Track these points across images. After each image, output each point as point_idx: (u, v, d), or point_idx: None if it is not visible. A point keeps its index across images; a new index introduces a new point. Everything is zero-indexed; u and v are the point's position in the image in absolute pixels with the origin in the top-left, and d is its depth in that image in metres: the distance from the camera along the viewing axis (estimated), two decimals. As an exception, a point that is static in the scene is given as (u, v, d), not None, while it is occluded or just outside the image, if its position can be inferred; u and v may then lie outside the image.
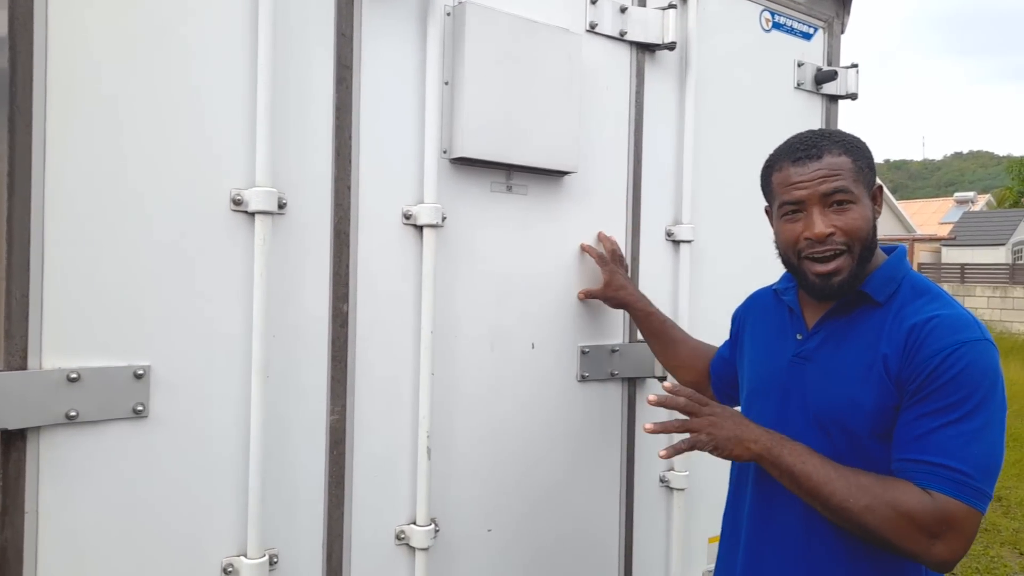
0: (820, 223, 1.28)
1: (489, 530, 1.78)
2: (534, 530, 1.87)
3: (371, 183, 1.59)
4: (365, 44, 1.56)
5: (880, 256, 1.37)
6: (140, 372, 1.32)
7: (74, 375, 1.26)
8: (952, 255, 22.63)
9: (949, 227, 25.59)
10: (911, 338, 1.23)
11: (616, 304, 1.92)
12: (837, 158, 1.30)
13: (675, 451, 1.29)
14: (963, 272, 17.14)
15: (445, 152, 1.68)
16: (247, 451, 1.42)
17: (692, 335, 1.92)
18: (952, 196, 32.76)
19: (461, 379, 1.73)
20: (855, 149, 1.32)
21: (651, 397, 1.30)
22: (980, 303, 15.31)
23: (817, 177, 1.29)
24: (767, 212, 1.47)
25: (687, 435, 1.29)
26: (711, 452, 1.27)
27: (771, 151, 2.31)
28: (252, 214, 1.42)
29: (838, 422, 1.30)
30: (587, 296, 1.93)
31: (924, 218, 30.49)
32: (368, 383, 1.59)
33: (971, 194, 33.52)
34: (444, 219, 1.66)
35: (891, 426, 1.26)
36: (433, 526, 1.65)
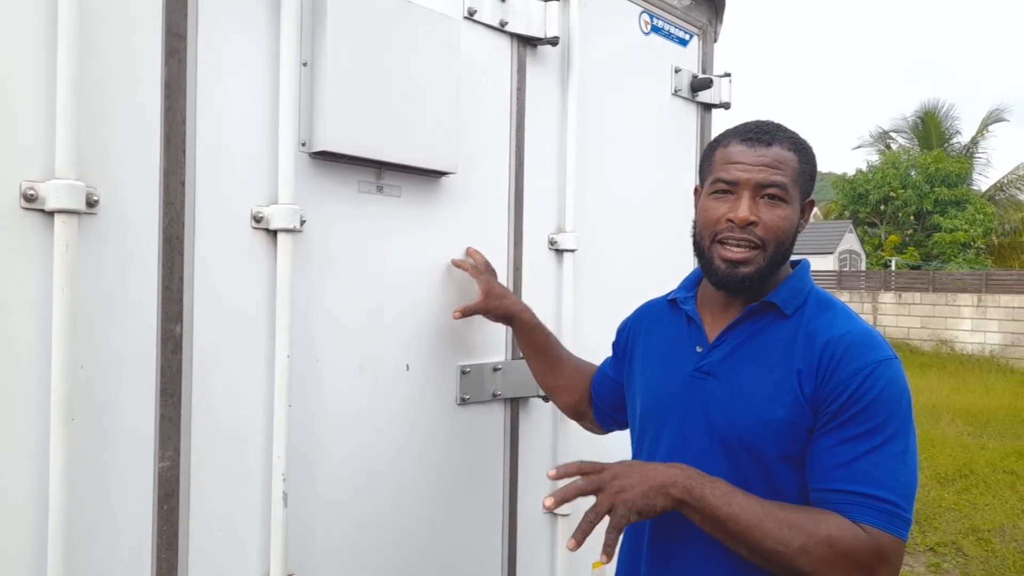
0: (746, 208, 1.20)
1: (358, 581, 1.55)
2: (409, 573, 1.65)
3: (212, 178, 1.32)
4: (203, 9, 1.29)
5: (788, 267, 1.30)
6: None
7: None
8: (787, 262, 24.54)
9: (784, 237, 27.75)
10: (825, 355, 1.16)
11: (499, 315, 1.69)
12: (786, 153, 1.23)
13: (562, 499, 1.14)
14: (797, 278, 18.61)
15: (304, 145, 1.44)
16: (44, 516, 1.11)
17: (575, 350, 1.78)
18: (785, 208, 35.61)
19: (324, 410, 1.48)
20: (805, 152, 1.26)
21: (551, 472, 1.16)
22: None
23: (760, 163, 1.21)
24: (695, 192, 1.36)
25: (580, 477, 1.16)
26: (636, 519, 1.12)
27: (650, 157, 2.22)
28: (50, 213, 1.12)
29: (746, 443, 1.20)
30: (465, 313, 1.66)
31: (762, 228, 32.90)
32: (208, 421, 1.31)
33: (801, 206, 36.57)
34: (303, 223, 1.42)
35: (801, 448, 1.18)
36: (291, 585, 1.40)
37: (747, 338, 1.26)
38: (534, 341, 1.70)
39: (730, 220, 1.21)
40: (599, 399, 1.63)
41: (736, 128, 1.29)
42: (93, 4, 1.16)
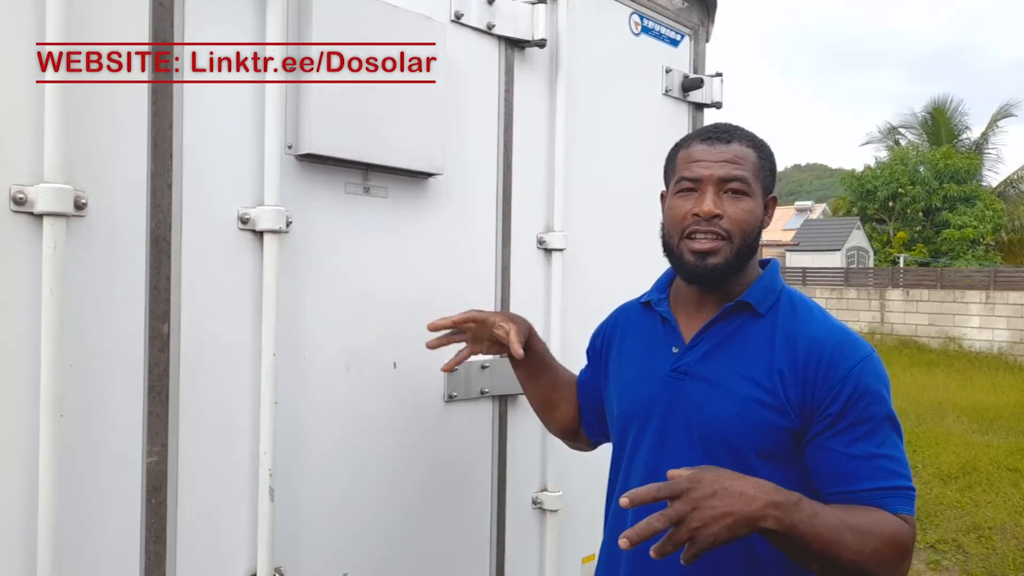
0: (710, 202, 1.24)
1: (345, 574, 1.58)
2: (396, 569, 1.68)
3: (198, 181, 1.35)
4: (189, 16, 1.32)
5: (757, 267, 1.33)
6: None
7: None
8: (794, 259, 24.47)
9: (791, 233, 27.68)
10: (812, 359, 1.20)
11: (530, 349, 1.48)
12: (745, 149, 1.28)
13: (639, 539, 0.99)
14: (804, 275, 18.52)
15: (290, 147, 1.47)
16: (34, 509, 1.15)
17: (563, 349, 1.80)
18: (793, 205, 35.52)
19: (310, 406, 1.52)
20: (763, 149, 1.31)
21: (623, 500, 1.03)
22: (819, 303, 16.45)
23: (721, 160, 1.26)
24: (662, 197, 1.39)
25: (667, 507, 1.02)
26: (717, 545, 1.00)
27: (641, 157, 2.23)
28: (39, 216, 1.15)
29: (725, 441, 1.23)
30: (520, 349, 1.42)
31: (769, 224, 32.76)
32: (195, 417, 1.35)
33: (809, 203, 36.47)
34: (289, 224, 1.45)
35: (778, 446, 1.21)
36: (277, 578, 1.43)
37: (724, 338, 1.29)
38: (545, 363, 1.58)
39: (696, 215, 1.25)
40: (587, 411, 1.62)
41: (695, 131, 1.35)
42: (80, 9, 1.20)
